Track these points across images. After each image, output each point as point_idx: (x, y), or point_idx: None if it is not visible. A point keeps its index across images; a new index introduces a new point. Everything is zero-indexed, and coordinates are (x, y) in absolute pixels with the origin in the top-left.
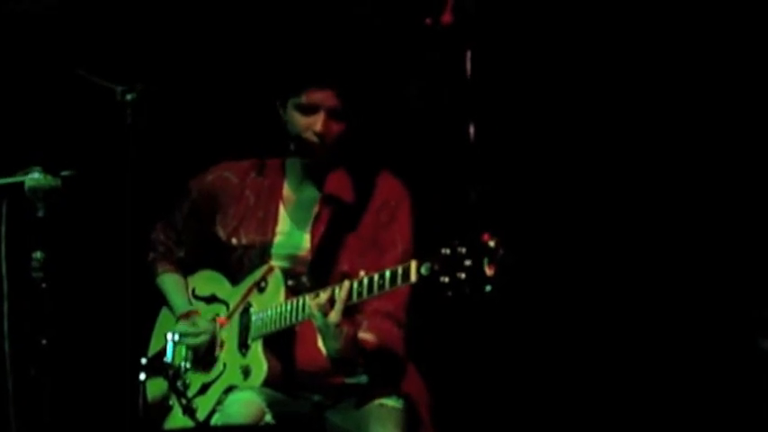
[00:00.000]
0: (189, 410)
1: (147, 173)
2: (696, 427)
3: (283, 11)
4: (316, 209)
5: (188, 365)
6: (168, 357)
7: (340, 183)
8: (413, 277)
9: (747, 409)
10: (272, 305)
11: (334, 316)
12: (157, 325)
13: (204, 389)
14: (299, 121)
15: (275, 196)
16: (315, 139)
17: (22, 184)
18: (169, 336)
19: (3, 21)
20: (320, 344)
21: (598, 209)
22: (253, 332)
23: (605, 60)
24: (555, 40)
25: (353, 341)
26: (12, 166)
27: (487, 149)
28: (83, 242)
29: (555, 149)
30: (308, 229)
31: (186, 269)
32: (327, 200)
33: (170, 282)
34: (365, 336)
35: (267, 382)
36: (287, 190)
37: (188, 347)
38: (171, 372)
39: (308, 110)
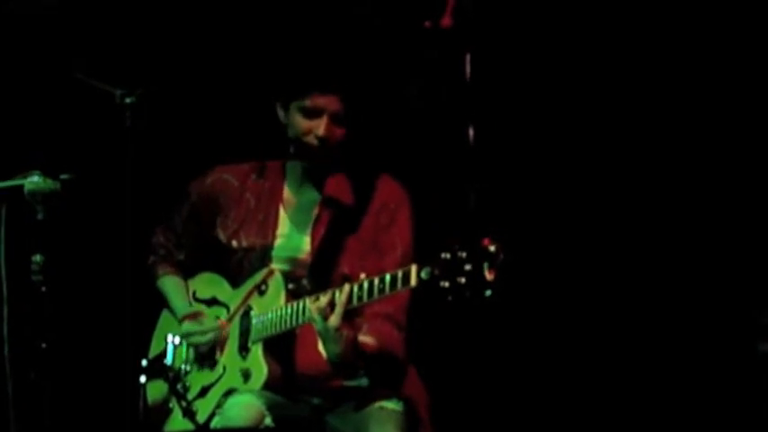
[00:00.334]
0: (189, 413)
1: (146, 176)
2: (696, 429)
3: (284, 12)
4: (316, 211)
5: (188, 368)
6: (168, 360)
7: (340, 185)
8: (413, 281)
9: (747, 412)
10: (272, 308)
11: (334, 319)
12: (158, 327)
13: (204, 392)
14: (302, 124)
15: (275, 199)
16: (316, 142)
17: (21, 187)
18: (170, 338)
19: (2, 22)
20: (320, 347)
21: (598, 211)
22: (253, 335)
23: (604, 62)
24: (554, 42)
25: (354, 344)
26: (11, 170)
27: (487, 152)
28: (82, 245)
29: (554, 151)
30: (309, 231)
31: (186, 272)
32: (327, 202)
33: (171, 284)
34: (365, 339)
35: (267, 386)
36: (287, 193)
37: (193, 347)
38: (171, 374)
39: (312, 113)
